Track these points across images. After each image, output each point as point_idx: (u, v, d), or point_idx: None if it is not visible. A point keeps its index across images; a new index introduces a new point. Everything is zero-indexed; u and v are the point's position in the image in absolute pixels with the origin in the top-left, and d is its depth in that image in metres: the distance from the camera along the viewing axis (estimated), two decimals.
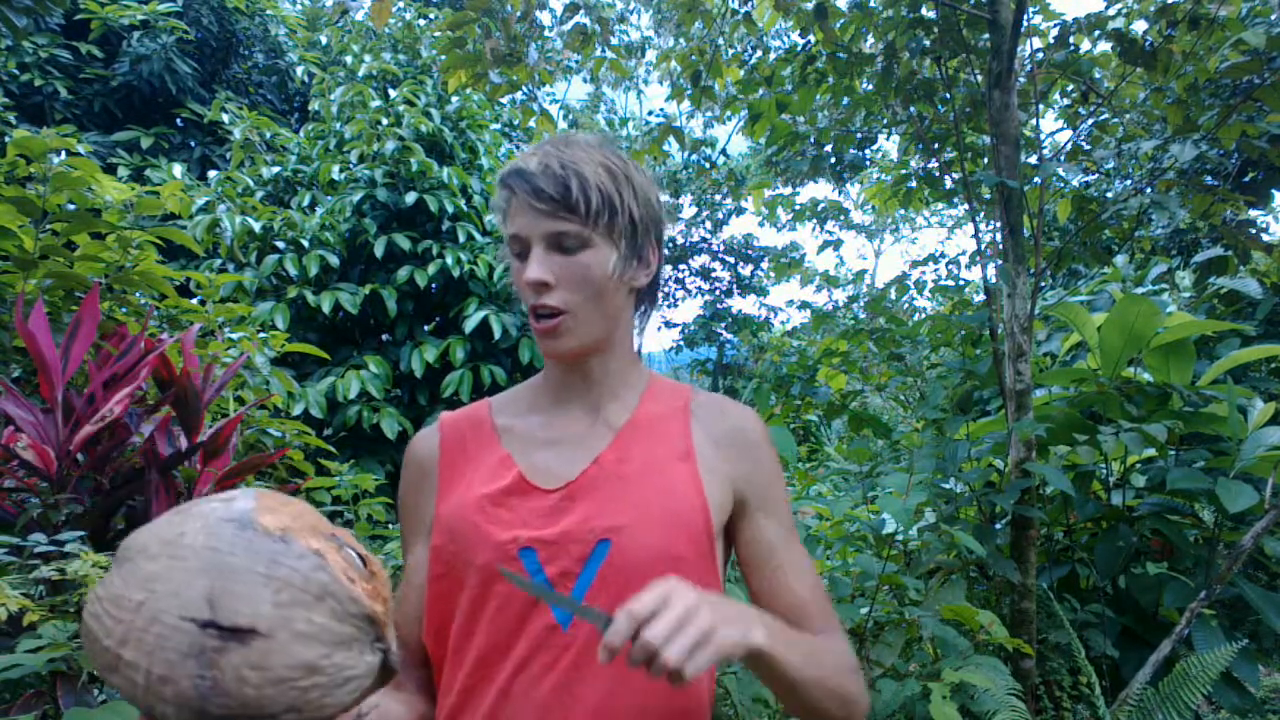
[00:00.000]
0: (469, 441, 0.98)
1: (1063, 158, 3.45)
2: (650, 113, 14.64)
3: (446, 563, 0.91)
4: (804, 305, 7.56)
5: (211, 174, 5.75)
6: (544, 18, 3.76)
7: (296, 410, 4.64)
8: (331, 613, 0.62)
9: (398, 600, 0.98)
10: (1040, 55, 3.33)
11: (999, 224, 2.89)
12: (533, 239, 0.88)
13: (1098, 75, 3.61)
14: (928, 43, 3.21)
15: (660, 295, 1.04)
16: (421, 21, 7.45)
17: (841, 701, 0.84)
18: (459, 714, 0.88)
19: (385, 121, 5.76)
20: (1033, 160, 3.24)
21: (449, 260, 5.44)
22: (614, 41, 3.92)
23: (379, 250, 5.37)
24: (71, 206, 2.36)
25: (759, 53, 3.98)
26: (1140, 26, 3.28)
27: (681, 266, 16.73)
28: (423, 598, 0.95)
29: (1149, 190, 3.22)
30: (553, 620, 0.85)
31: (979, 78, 3.27)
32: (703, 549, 0.89)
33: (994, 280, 3.00)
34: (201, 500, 0.67)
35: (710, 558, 0.90)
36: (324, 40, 8.16)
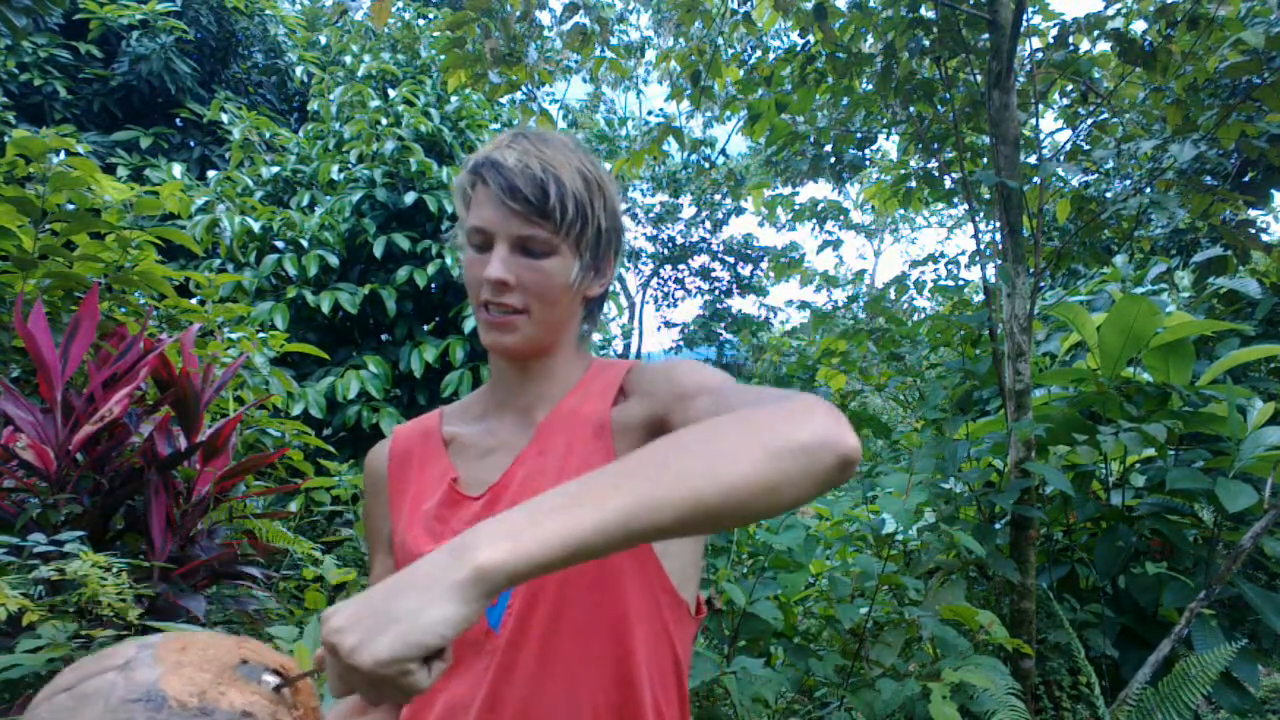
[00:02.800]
0: (416, 452, 0.98)
1: (1062, 158, 3.45)
2: (650, 113, 14.64)
3: None
4: (804, 305, 7.56)
5: (211, 174, 5.75)
6: (543, 18, 3.76)
7: (296, 410, 4.64)
8: None
9: None
10: (1040, 55, 3.33)
11: (998, 224, 2.90)
12: (499, 236, 0.86)
13: (1097, 75, 3.61)
14: (927, 43, 3.22)
15: (606, 303, 1.00)
16: (421, 21, 7.45)
17: (746, 493, 0.61)
18: None
19: (384, 121, 5.75)
20: (1032, 160, 3.24)
21: (448, 260, 5.44)
22: (613, 41, 3.92)
23: (378, 250, 5.36)
24: (71, 206, 2.36)
25: (758, 53, 3.98)
26: (1140, 26, 3.28)
27: (681, 266, 16.74)
28: None
29: (1148, 190, 3.22)
30: (486, 625, 0.85)
31: (978, 78, 3.27)
32: None
33: (994, 280, 3.00)
34: (92, 668, 0.60)
35: None
36: (323, 40, 8.15)
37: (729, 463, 0.62)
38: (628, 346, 16.29)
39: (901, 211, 4.71)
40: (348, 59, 6.83)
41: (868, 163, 4.71)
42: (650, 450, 0.65)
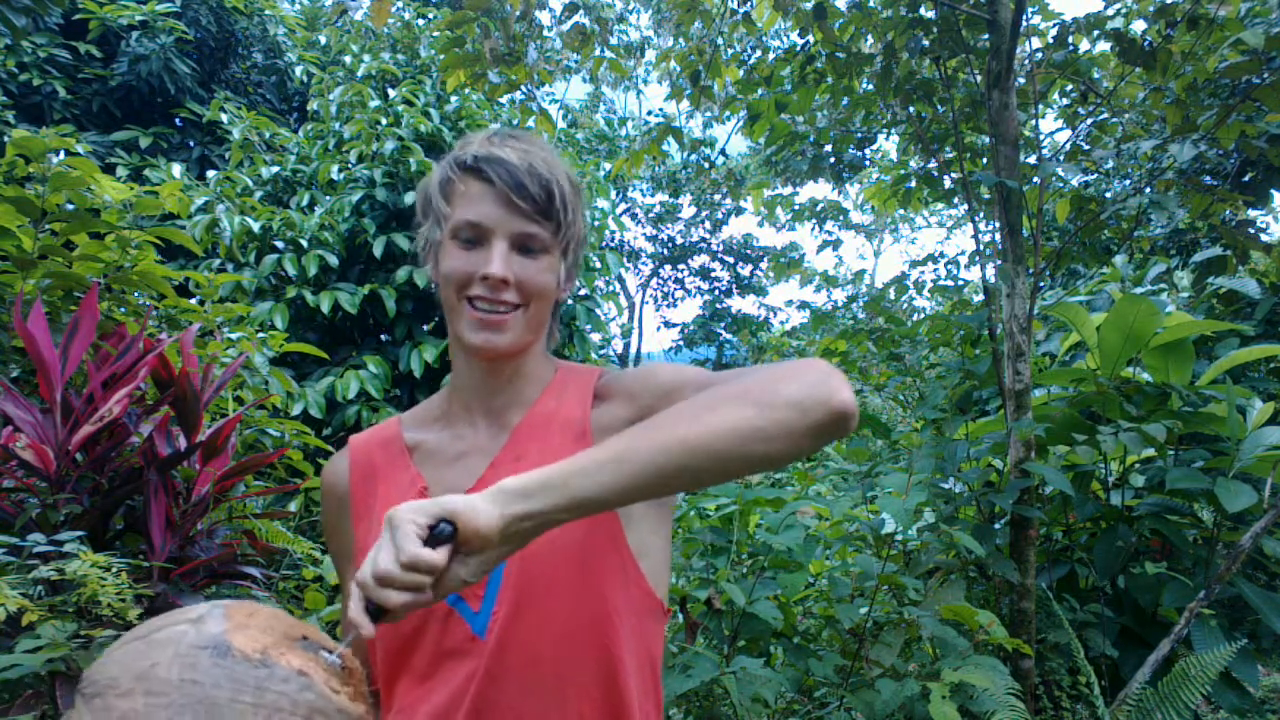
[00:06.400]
0: (379, 463, 0.97)
1: (1062, 158, 3.45)
2: (650, 113, 14.64)
3: None
4: (803, 305, 7.57)
5: (210, 174, 5.74)
6: (543, 17, 3.76)
7: (295, 410, 4.64)
8: None
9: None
10: (1039, 55, 3.33)
11: (998, 224, 2.90)
12: (498, 233, 0.85)
13: (1097, 75, 3.61)
14: (927, 43, 3.21)
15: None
16: (420, 21, 7.44)
17: (738, 438, 0.67)
18: None
19: (384, 121, 5.75)
20: (1032, 160, 3.24)
21: None
22: (613, 41, 3.92)
23: (378, 250, 5.36)
24: (70, 206, 2.35)
25: (758, 53, 3.98)
26: (1139, 26, 3.28)
27: (681, 266, 16.74)
28: None
29: (1148, 190, 3.22)
30: (470, 632, 0.84)
31: (978, 78, 3.27)
32: (604, 528, 0.87)
33: (993, 280, 3.00)
34: (166, 621, 0.65)
35: (611, 529, 0.87)
36: (323, 40, 8.14)
37: (721, 415, 0.68)
38: (627, 346, 16.29)
39: (901, 211, 4.71)
40: (347, 59, 6.83)
41: (867, 163, 4.71)
42: (653, 417, 0.71)
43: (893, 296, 5.63)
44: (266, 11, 8.12)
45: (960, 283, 5.74)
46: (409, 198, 5.48)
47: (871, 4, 3.44)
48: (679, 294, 17.19)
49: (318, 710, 0.62)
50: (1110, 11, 3.13)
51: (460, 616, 0.85)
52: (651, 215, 15.87)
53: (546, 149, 0.89)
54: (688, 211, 15.71)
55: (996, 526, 3.00)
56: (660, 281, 17.22)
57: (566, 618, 0.84)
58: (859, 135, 4.14)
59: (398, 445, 0.97)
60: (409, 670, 0.88)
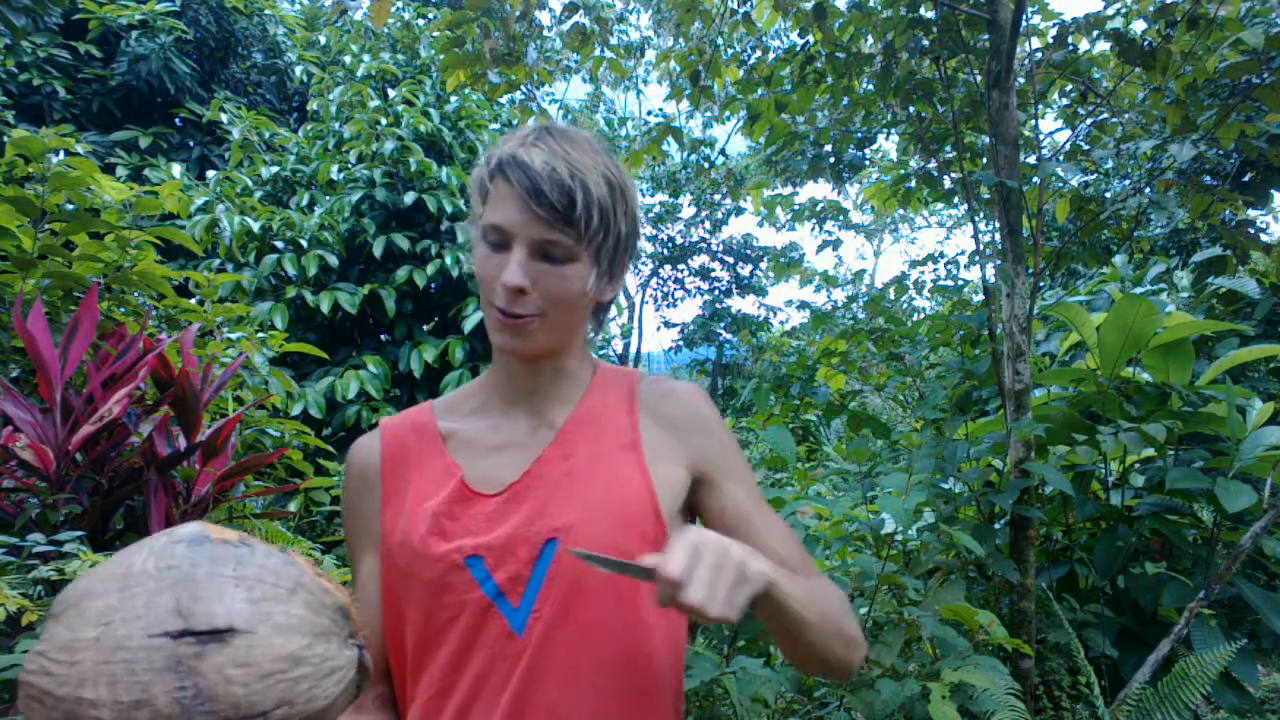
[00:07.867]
0: (411, 448, 0.95)
1: (1061, 158, 3.45)
2: (649, 113, 14.64)
3: (398, 576, 0.89)
4: (803, 305, 7.57)
5: (210, 174, 5.74)
6: (543, 17, 3.76)
7: (295, 410, 4.64)
8: (306, 604, 0.62)
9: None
10: (1039, 55, 3.33)
11: (998, 224, 2.90)
12: (518, 239, 0.83)
13: (1096, 75, 3.61)
14: (926, 43, 3.21)
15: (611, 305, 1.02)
16: (420, 21, 7.44)
17: (845, 641, 0.86)
18: None
19: (384, 121, 5.75)
20: (1032, 160, 3.24)
21: (448, 260, 5.44)
22: (613, 41, 3.92)
23: (378, 250, 5.36)
24: (70, 206, 2.35)
25: (758, 53, 3.98)
26: (1139, 26, 3.28)
27: (681, 266, 16.73)
28: (378, 610, 0.92)
29: (1148, 190, 3.22)
30: (508, 628, 0.84)
31: (978, 78, 3.27)
32: (651, 540, 0.87)
33: (993, 280, 3.00)
34: (141, 541, 0.65)
35: (655, 531, 0.88)
36: (323, 40, 8.14)
37: (843, 619, 0.88)
38: (627, 346, 16.29)
39: (901, 211, 4.72)
40: (347, 59, 6.83)
41: (867, 163, 4.71)
42: (821, 586, 0.90)
43: (893, 296, 5.63)
44: (266, 11, 8.12)
45: (960, 283, 5.74)
46: (409, 198, 5.48)
47: (871, 4, 3.44)
48: (679, 294, 17.17)
49: (302, 585, 0.62)
50: (1110, 11, 3.13)
51: (499, 612, 0.84)
52: (651, 215, 15.86)
53: (584, 148, 0.86)
54: (688, 211, 15.70)
55: (996, 526, 3.00)
56: (660, 281, 17.21)
57: (605, 618, 0.85)
58: (859, 135, 4.14)
59: (431, 432, 0.96)
60: (436, 662, 0.87)
